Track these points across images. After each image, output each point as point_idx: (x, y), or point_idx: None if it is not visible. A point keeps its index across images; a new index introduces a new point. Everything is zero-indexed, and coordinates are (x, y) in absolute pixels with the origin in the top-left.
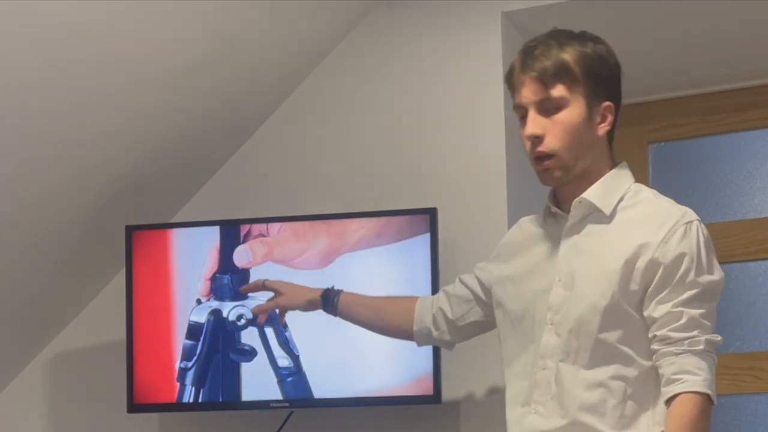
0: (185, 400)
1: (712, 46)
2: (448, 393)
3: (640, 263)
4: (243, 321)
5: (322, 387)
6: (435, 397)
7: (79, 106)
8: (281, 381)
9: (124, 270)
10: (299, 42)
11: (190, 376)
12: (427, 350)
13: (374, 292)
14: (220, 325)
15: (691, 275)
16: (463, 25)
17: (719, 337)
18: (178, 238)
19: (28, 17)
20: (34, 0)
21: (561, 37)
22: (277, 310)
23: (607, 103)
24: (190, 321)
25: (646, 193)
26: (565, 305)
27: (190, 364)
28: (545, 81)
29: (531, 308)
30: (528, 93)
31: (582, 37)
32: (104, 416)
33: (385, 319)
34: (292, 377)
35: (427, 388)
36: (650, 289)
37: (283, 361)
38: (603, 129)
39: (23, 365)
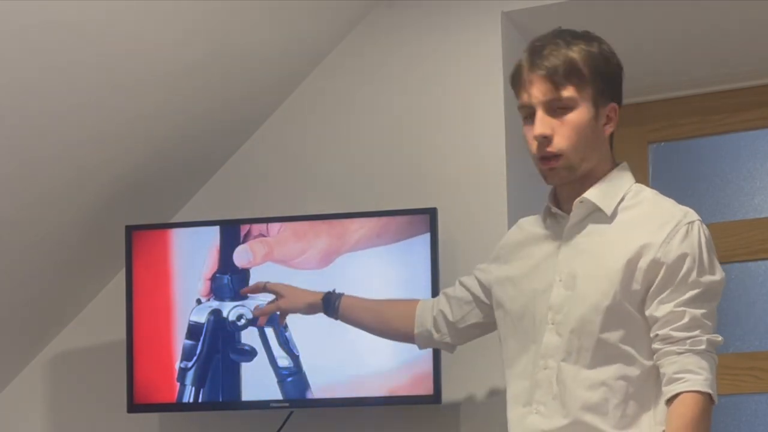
0: (185, 400)
1: (712, 46)
2: (448, 393)
3: (642, 263)
4: (243, 321)
5: (322, 387)
6: (435, 397)
7: (79, 106)
8: (281, 381)
9: (124, 270)
10: (299, 42)
11: (190, 376)
12: (427, 350)
13: (374, 291)
14: (220, 325)
15: (693, 275)
16: (463, 25)
17: (720, 338)
18: (178, 238)
19: (28, 17)
20: (34, 0)
21: (567, 36)
22: (278, 313)
23: (613, 104)
24: (190, 321)
25: (647, 193)
26: (567, 305)
27: (190, 364)
28: (555, 81)
29: (531, 308)
30: (537, 93)
31: (587, 37)
32: (104, 416)
33: (386, 323)
34: (292, 377)
35: (427, 388)
36: (652, 288)
37: (283, 361)
38: (608, 130)
39: (23, 365)
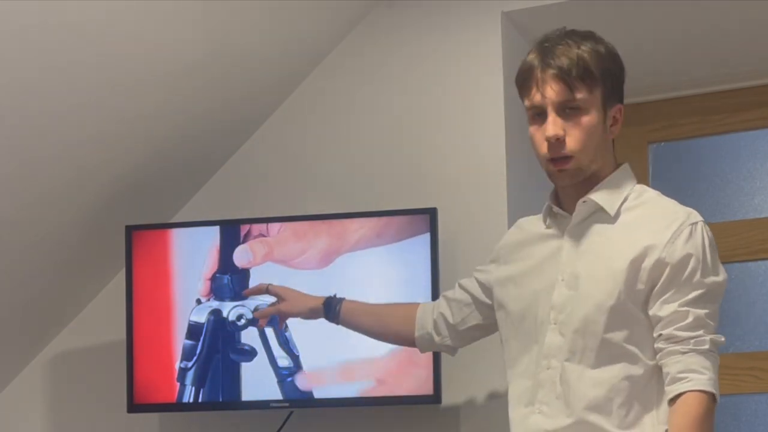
0: (185, 400)
1: (712, 46)
2: (448, 393)
3: (647, 263)
4: (243, 321)
5: (322, 387)
6: (435, 397)
7: (79, 106)
8: (281, 381)
9: (124, 270)
10: (299, 42)
11: (190, 376)
12: None
13: (374, 291)
14: (220, 325)
15: (698, 276)
16: (463, 25)
17: (723, 338)
18: (178, 238)
19: (28, 17)
20: (34, 0)
21: (575, 37)
22: (278, 316)
23: (619, 105)
24: (190, 321)
25: (651, 193)
26: (569, 305)
27: (190, 364)
28: (569, 82)
29: (533, 308)
30: (551, 93)
31: (594, 38)
32: (104, 416)
33: (387, 326)
34: (292, 377)
35: (427, 388)
36: (656, 288)
37: (283, 361)
38: (614, 131)
39: (23, 365)
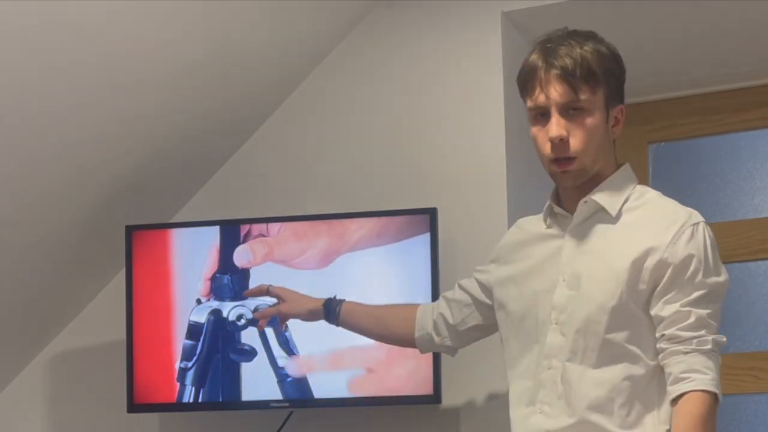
0: (185, 400)
1: (712, 46)
2: (448, 393)
3: (649, 263)
4: (243, 321)
5: (322, 387)
6: (435, 397)
7: (79, 106)
8: (281, 381)
9: (124, 270)
10: (299, 42)
11: (190, 376)
12: None
13: (374, 291)
14: (220, 325)
15: (700, 276)
16: (463, 25)
17: (724, 338)
18: (178, 238)
19: (28, 17)
20: (34, 0)
21: (578, 37)
22: (278, 317)
23: (621, 105)
24: (190, 321)
25: (652, 194)
26: (571, 305)
27: (190, 364)
28: (572, 83)
29: (534, 308)
30: (555, 94)
31: (595, 38)
32: (104, 416)
33: (387, 327)
34: (292, 377)
35: (427, 388)
36: (658, 288)
37: (283, 361)
38: (616, 131)
39: (23, 365)
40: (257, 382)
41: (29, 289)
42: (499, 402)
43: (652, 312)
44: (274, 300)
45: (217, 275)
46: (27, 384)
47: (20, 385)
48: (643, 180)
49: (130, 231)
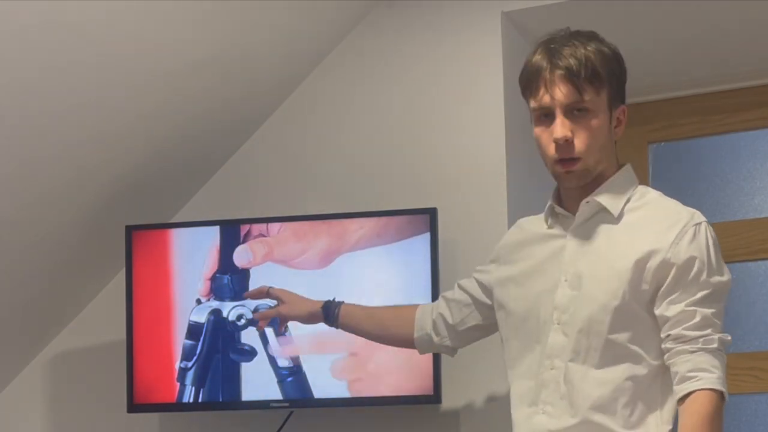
0: (185, 400)
1: (712, 46)
2: (448, 393)
3: (652, 263)
4: (243, 321)
5: (322, 387)
6: (435, 397)
7: (79, 106)
8: (281, 381)
9: (124, 270)
10: (299, 42)
11: (190, 376)
12: None
13: (374, 291)
14: (220, 325)
15: (703, 276)
16: (463, 25)
17: (729, 337)
18: (178, 238)
19: (28, 17)
20: (34, 0)
21: (581, 37)
22: (278, 318)
23: (623, 106)
24: (190, 321)
25: (653, 194)
26: (573, 305)
27: (190, 364)
28: (577, 84)
29: (535, 309)
30: (560, 94)
31: (597, 38)
32: (104, 416)
33: (386, 328)
34: (292, 377)
35: (427, 388)
36: (662, 289)
37: (283, 361)
38: (618, 132)
39: (23, 365)
40: (257, 382)
41: (29, 289)
42: (499, 402)
43: (657, 312)
44: (274, 301)
45: (217, 275)
46: (27, 384)
47: (20, 385)
48: (643, 180)
49: (130, 231)
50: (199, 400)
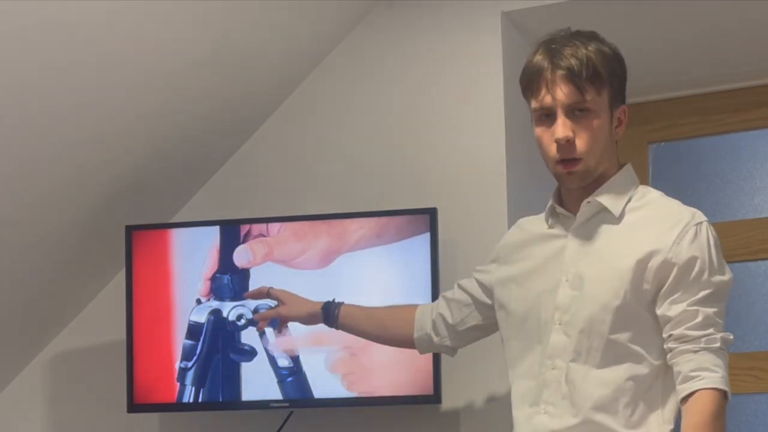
0: (185, 400)
1: (712, 46)
2: (448, 393)
3: (653, 263)
4: (243, 321)
5: (322, 387)
6: (435, 397)
7: (79, 106)
8: (281, 381)
9: (124, 270)
10: (299, 42)
11: (190, 376)
12: None
13: (374, 291)
14: (220, 325)
15: (705, 275)
16: (463, 25)
17: (732, 336)
18: (178, 238)
19: (28, 17)
20: (34, 0)
21: (581, 38)
22: (278, 319)
23: (623, 106)
24: (190, 321)
25: (654, 194)
26: (574, 305)
27: (190, 364)
28: (579, 84)
29: (536, 309)
30: (561, 95)
31: (598, 38)
32: (104, 416)
33: (386, 329)
34: (292, 377)
35: (427, 388)
36: (664, 289)
37: (283, 361)
38: (619, 132)
39: (23, 365)
40: (257, 382)
41: (29, 289)
42: (499, 402)
43: (659, 312)
44: (274, 302)
45: (217, 275)
46: (27, 384)
47: (20, 385)
48: (643, 180)
49: (130, 231)
50: (199, 400)
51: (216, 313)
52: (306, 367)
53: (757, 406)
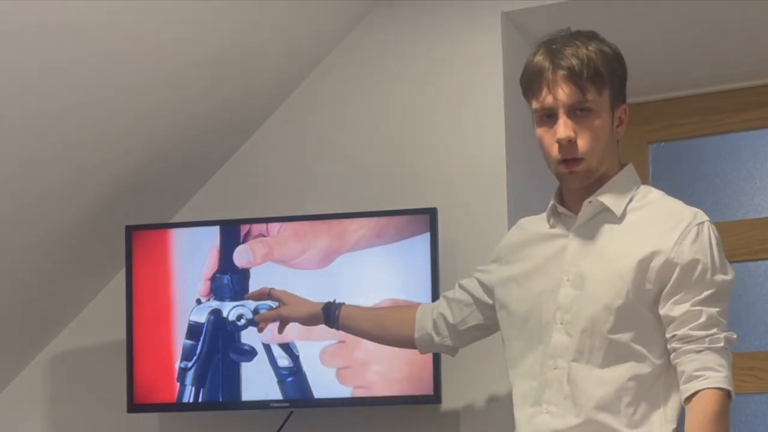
0: (185, 400)
1: (712, 46)
2: (448, 393)
3: (655, 263)
4: (243, 321)
5: (322, 387)
6: (435, 397)
7: (79, 106)
8: (281, 381)
9: (124, 270)
10: (299, 42)
11: (190, 376)
12: None
13: (374, 291)
14: (220, 325)
15: (708, 275)
16: (463, 25)
17: (735, 335)
18: (178, 238)
19: (28, 17)
20: (34, 0)
21: (582, 38)
22: (279, 320)
23: (624, 105)
24: (190, 321)
25: (656, 194)
26: (575, 305)
27: (190, 364)
28: (580, 84)
29: (537, 308)
30: (562, 95)
31: (598, 38)
32: (104, 416)
33: (387, 329)
34: (292, 377)
35: (427, 388)
36: (666, 289)
37: (283, 361)
38: (620, 132)
39: (23, 365)
40: (257, 382)
41: (29, 289)
42: (499, 402)
43: (662, 312)
44: (275, 303)
45: (217, 275)
46: (27, 384)
47: (20, 385)
48: (643, 180)
49: (130, 231)
50: (199, 400)
51: (216, 313)
52: (306, 367)
53: (757, 406)
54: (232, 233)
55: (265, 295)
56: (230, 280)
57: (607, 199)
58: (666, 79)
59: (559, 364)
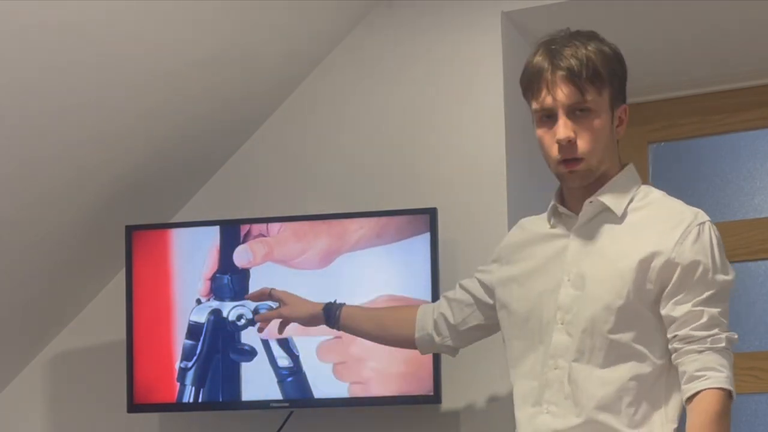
0: (185, 400)
1: (712, 46)
2: (448, 393)
3: (656, 263)
4: (243, 321)
5: (322, 387)
6: (435, 397)
7: (79, 106)
8: (281, 381)
9: (124, 270)
10: (299, 42)
11: (190, 376)
12: None
13: (374, 292)
14: (220, 325)
15: (709, 275)
16: (463, 25)
17: (736, 335)
18: (178, 238)
19: (28, 17)
20: (34, 0)
21: (581, 38)
22: (279, 320)
23: (624, 105)
24: (190, 321)
25: (656, 194)
26: (576, 305)
27: (190, 364)
28: (579, 84)
29: (537, 308)
30: (562, 95)
31: (597, 38)
32: (104, 416)
33: (387, 329)
34: (292, 377)
35: (427, 388)
36: (667, 289)
37: (283, 361)
38: (621, 131)
39: (23, 365)
40: (257, 382)
41: (29, 289)
42: (499, 402)
43: (663, 312)
44: (275, 303)
45: (217, 275)
46: (27, 384)
47: (20, 385)
48: (643, 180)
49: (130, 231)
50: (199, 400)
51: (216, 313)
52: (306, 367)
53: (757, 406)
54: (232, 233)
55: (266, 295)
56: (230, 280)
57: (607, 199)
58: (666, 79)
59: (560, 364)
